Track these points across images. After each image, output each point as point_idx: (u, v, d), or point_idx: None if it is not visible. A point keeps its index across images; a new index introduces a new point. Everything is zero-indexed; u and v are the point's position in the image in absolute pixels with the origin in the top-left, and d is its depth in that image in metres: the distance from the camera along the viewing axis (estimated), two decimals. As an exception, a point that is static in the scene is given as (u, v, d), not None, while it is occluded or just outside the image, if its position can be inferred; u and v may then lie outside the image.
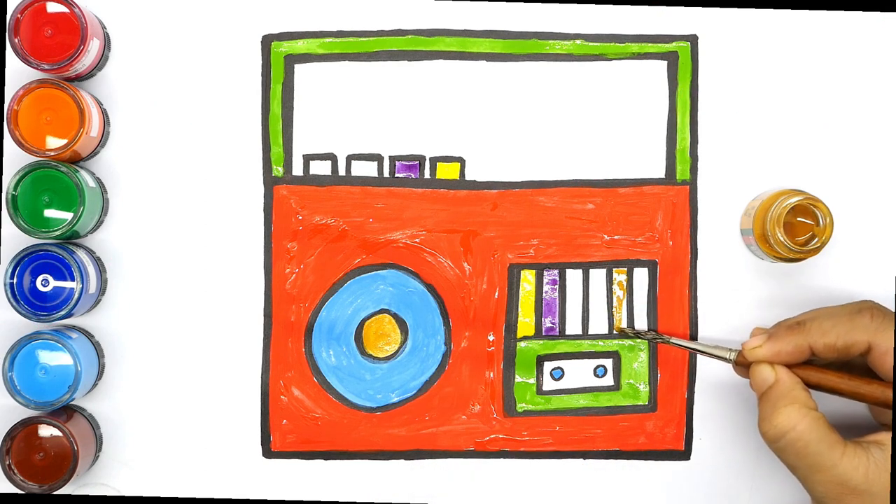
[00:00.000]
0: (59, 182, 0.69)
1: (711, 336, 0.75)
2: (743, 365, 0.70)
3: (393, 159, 0.74)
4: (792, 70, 0.74)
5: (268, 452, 0.74)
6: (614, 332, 0.74)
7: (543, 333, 0.75)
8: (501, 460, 0.75)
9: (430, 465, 0.75)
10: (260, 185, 0.74)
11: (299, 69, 0.74)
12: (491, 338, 0.75)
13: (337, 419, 0.74)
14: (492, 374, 0.75)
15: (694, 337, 0.75)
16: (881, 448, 0.64)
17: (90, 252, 0.73)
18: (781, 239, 0.70)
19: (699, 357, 0.75)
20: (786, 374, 0.68)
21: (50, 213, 0.70)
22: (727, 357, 0.71)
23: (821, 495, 0.65)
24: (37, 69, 0.69)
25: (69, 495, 0.73)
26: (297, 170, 0.74)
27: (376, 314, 0.75)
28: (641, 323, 0.75)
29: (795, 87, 0.75)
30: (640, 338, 0.74)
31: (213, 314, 0.74)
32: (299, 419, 0.74)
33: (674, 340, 0.73)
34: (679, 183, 0.75)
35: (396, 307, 0.75)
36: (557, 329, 0.75)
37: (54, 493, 0.70)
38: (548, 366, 0.75)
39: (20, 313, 0.69)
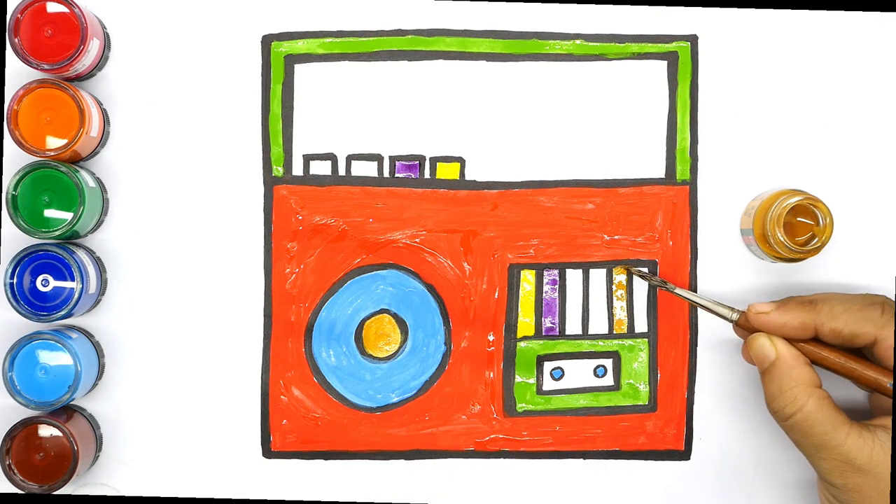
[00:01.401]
0: (59, 182, 0.69)
1: (712, 336, 0.75)
2: (744, 328, 0.70)
3: (393, 159, 0.74)
4: (792, 70, 0.74)
5: (268, 452, 0.74)
6: (617, 270, 0.74)
7: (543, 333, 0.75)
8: (501, 460, 0.75)
9: (430, 465, 0.75)
10: (260, 185, 0.74)
11: (299, 69, 0.74)
12: (491, 338, 0.75)
13: (337, 419, 0.74)
14: (492, 374, 0.75)
15: (694, 342, 0.75)
16: (887, 432, 0.65)
17: (90, 252, 0.73)
18: (781, 239, 0.70)
19: (699, 357, 0.74)
20: (786, 349, 0.68)
21: (50, 213, 0.70)
22: (729, 316, 0.70)
23: (825, 471, 0.66)
24: (37, 69, 0.69)
25: (69, 495, 0.73)
26: (297, 170, 0.74)
27: (376, 314, 0.75)
28: (642, 324, 0.75)
29: (795, 87, 0.75)
30: (645, 280, 0.73)
31: (213, 314, 0.74)
32: (299, 419, 0.74)
33: (678, 291, 0.72)
34: (679, 183, 0.75)
35: (396, 307, 0.75)
36: (557, 329, 0.75)
37: (54, 493, 0.70)
38: (548, 366, 0.75)
39: (20, 313, 0.69)
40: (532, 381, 0.75)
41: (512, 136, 0.74)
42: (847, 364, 0.67)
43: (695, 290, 0.75)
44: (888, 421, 0.66)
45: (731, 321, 0.70)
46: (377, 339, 0.75)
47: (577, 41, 0.74)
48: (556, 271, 0.75)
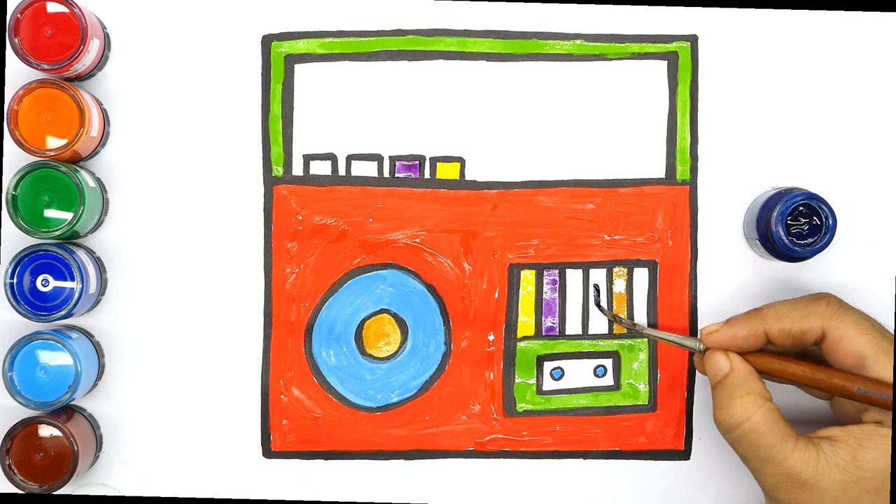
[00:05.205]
0: (59, 182, 0.69)
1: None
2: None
3: (393, 159, 0.74)
4: (792, 70, 0.74)
5: (268, 452, 0.74)
6: (595, 305, 0.74)
7: (543, 333, 0.75)
8: (501, 460, 0.75)
9: (430, 465, 0.75)
10: (260, 185, 0.74)
11: (299, 69, 0.74)
12: (491, 338, 0.75)
13: (337, 419, 0.74)
14: (492, 374, 0.75)
15: (694, 335, 0.75)
16: (832, 444, 0.64)
17: (90, 252, 0.73)
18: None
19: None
20: (740, 363, 0.67)
21: (50, 213, 0.70)
22: (695, 347, 0.70)
23: (771, 487, 0.65)
24: (37, 69, 0.69)
25: (69, 495, 0.73)
26: (297, 170, 0.74)
27: (376, 314, 0.75)
28: (642, 322, 0.75)
29: (795, 86, 0.75)
30: (616, 321, 0.73)
31: (213, 314, 0.74)
32: (299, 419, 0.74)
33: (647, 331, 0.72)
34: (679, 183, 0.75)
35: (396, 307, 0.75)
36: (557, 329, 0.75)
37: (54, 493, 0.70)
38: (548, 366, 0.75)
39: (20, 313, 0.69)
40: (532, 381, 0.75)
41: (512, 136, 0.74)
42: (813, 375, 0.66)
43: (695, 292, 0.75)
44: (834, 431, 0.65)
45: (698, 351, 0.70)
46: (377, 339, 0.75)
47: (577, 41, 0.74)
48: (556, 271, 0.75)
